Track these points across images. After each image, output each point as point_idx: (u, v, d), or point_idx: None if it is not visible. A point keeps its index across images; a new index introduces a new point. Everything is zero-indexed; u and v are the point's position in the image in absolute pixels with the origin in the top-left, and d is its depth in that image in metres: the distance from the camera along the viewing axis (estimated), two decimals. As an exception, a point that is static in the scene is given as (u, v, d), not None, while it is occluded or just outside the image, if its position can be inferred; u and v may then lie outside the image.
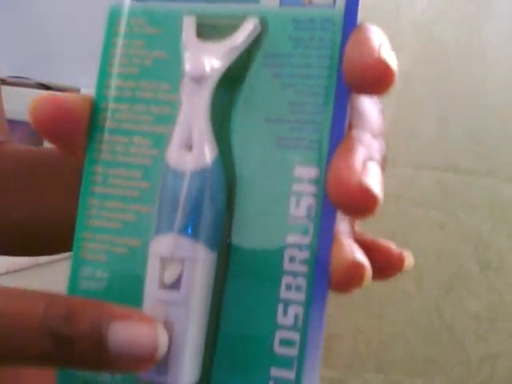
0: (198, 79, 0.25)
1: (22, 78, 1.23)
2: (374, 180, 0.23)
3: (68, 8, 1.30)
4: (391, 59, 0.23)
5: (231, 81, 0.26)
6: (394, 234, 0.73)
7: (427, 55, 0.73)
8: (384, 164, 0.25)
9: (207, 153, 0.25)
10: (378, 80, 0.23)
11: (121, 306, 0.23)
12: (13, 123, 1.09)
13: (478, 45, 0.72)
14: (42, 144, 0.93)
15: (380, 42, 0.24)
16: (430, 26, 0.72)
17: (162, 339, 0.23)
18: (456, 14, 0.72)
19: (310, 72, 0.25)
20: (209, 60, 0.25)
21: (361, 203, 0.22)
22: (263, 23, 0.26)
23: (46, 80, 1.23)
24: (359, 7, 0.25)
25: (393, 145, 0.85)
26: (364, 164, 0.23)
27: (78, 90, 1.15)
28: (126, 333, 0.22)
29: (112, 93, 0.27)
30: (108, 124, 0.27)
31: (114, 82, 0.27)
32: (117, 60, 0.27)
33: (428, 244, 0.73)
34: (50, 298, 0.22)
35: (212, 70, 0.25)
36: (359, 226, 0.30)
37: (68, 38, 1.31)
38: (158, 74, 0.27)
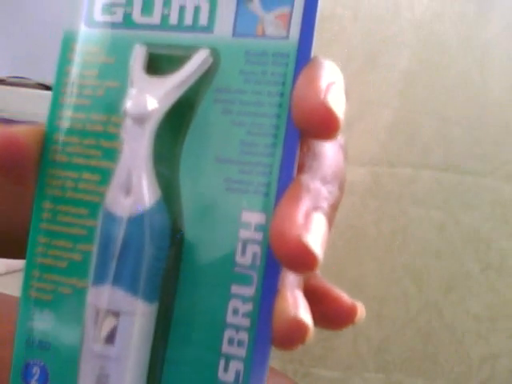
0: (139, 119, 0.24)
1: (22, 77, 1.23)
2: (315, 235, 0.22)
3: (68, 8, 1.30)
4: (337, 103, 0.22)
5: (180, 116, 0.25)
6: (394, 234, 0.73)
7: (427, 55, 0.72)
8: (333, 213, 0.24)
9: (146, 197, 0.24)
10: (321, 126, 0.22)
11: None
12: (13, 123, 1.10)
13: (477, 45, 0.72)
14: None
15: (330, 81, 0.23)
16: (430, 26, 0.72)
17: None
18: (456, 13, 0.72)
19: (261, 110, 0.24)
20: (152, 98, 0.24)
21: (298, 260, 0.21)
22: (215, 55, 0.25)
23: (46, 80, 1.23)
24: (314, 39, 0.24)
25: (393, 145, 0.85)
26: (307, 216, 0.22)
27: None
28: None
29: (63, 124, 0.26)
30: (58, 158, 0.26)
31: (65, 113, 0.26)
32: (69, 90, 0.26)
33: (428, 244, 0.73)
34: None
35: (154, 108, 0.24)
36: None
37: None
38: (109, 106, 0.26)
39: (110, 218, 0.24)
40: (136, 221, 0.24)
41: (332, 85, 0.23)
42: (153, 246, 0.24)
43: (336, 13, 0.73)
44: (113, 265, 0.24)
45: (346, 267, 0.73)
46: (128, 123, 0.24)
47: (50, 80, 1.22)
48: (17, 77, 1.21)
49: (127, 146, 0.24)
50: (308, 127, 0.22)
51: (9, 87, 1.12)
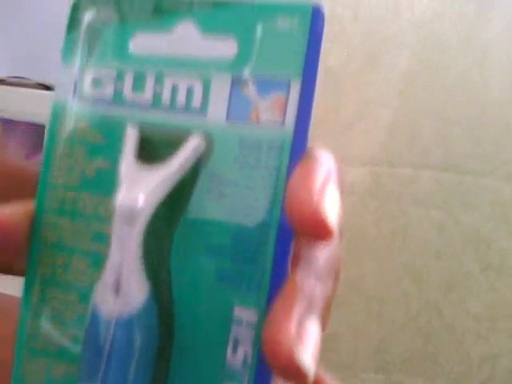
0: (129, 217, 0.23)
1: (21, 78, 1.23)
2: (307, 348, 0.21)
3: (68, 8, 1.30)
4: (330, 208, 0.22)
5: (172, 205, 0.24)
6: (394, 234, 0.73)
7: (427, 55, 0.72)
8: (327, 309, 0.24)
9: (134, 299, 0.23)
10: (313, 231, 0.22)
11: None
12: (13, 123, 1.09)
13: (477, 45, 0.72)
14: (42, 143, 0.93)
15: (324, 178, 0.22)
16: (430, 26, 0.72)
17: None
18: (456, 13, 0.72)
19: (254, 204, 0.23)
20: (142, 194, 0.24)
21: (290, 374, 0.21)
22: (208, 139, 0.24)
23: (45, 80, 1.23)
24: (310, 126, 0.23)
25: (393, 145, 0.85)
26: (301, 324, 0.22)
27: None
28: None
29: (53, 204, 0.26)
30: (48, 239, 0.25)
31: (55, 193, 0.26)
32: (58, 168, 0.26)
33: (428, 244, 0.73)
34: None
35: (144, 206, 0.23)
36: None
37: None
38: (100, 187, 0.25)
39: (98, 318, 0.23)
40: (124, 324, 0.23)
41: (326, 185, 0.22)
42: (141, 347, 0.23)
43: (336, 13, 0.73)
44: (101, 367, 0.23)
45: (346, 267, 0.73)
46: (118, 220, 0.24)
47: (49, 80, 1.22)
48: (17, 77, 1.21)
49: (116, 244, 0.24)
50: (300, 230, 0.22)
51: (9, 87, 1.12)
